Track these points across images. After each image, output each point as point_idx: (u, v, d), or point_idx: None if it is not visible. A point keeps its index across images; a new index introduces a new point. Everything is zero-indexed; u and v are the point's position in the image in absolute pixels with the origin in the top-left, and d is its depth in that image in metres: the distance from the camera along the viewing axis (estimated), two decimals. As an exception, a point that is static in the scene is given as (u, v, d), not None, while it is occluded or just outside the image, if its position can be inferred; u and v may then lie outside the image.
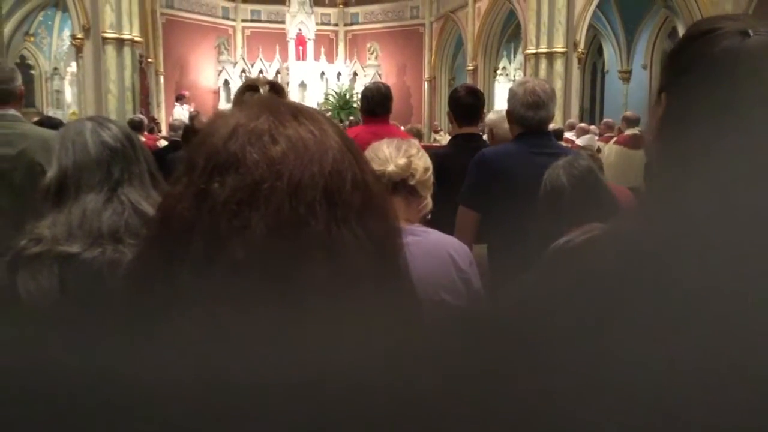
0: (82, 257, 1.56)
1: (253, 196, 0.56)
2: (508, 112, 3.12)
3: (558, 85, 14.87)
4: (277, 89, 2.17)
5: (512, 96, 3.07)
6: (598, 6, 15.69)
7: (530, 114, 2.98)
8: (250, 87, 2.44)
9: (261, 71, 21.27)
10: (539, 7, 14.90)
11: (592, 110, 20.89)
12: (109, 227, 1.61)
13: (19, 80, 3.01)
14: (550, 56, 14.93)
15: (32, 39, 22.24)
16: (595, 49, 20.54)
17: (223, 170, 0.58)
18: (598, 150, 8.05)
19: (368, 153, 1.97)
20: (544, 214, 2.22)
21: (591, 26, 16.26)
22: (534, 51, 15.13)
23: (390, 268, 0.63)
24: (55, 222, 1.62)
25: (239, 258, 0.55)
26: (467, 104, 3.71)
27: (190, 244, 0.56)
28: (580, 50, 15.32)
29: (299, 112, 0.64)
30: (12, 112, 2.89)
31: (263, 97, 0.69)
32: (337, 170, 0.60)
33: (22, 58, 21.18)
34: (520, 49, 17.56)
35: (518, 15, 16.64)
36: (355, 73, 22.17)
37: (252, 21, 22.85)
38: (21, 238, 1.59)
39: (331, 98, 20.91)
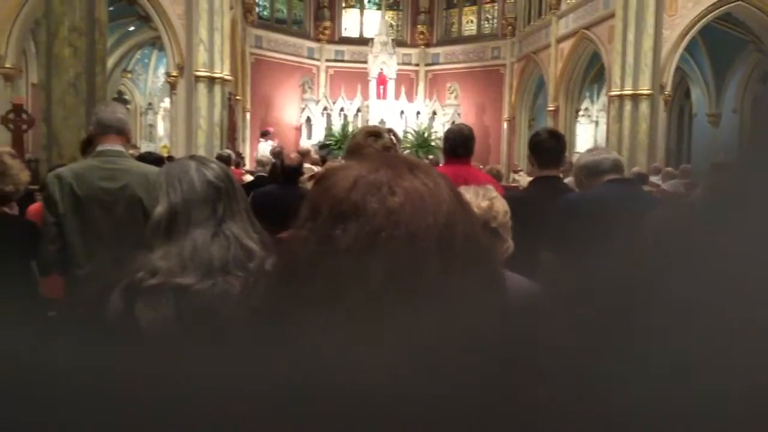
0: (196, 288, 1.67)
1: (373, 244, 0.61)
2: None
3: (643, 127, 14.57)
4: (396, 136, 2.28)
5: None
6: (686, 48, 15.36)
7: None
8: (372, 133, 2.53)
9: (342, 109, 21.76)
10: (624, 49, 14.72)
11: (678, 154, 20.30)
12: (218, 260, 1.71)
13: (126, 119, 3.21)
14: (635, 98, 14.67)
15: (129, 75, 23.59)
16: (682, 91, 20.04)
17: (345, 218, 0.63)
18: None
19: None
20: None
21: (678, 68, 15.90)
22: (618, 93, 14.91)
23: (494, 315, 0.66)
24: (168, 254, 1.72)
25: (359, 300, 0.59)
26: (549, 148, 3.71)
27: (314, 286, 0.61)
28: (666, 93, 14.98)
29: (414, 165, 0.69)
30: (118, 147, 3.08)
31: (381, 152, 0.74)
32: (451, 222, 0.64)
33: (120, 93, 22.44)
34: (604, 91, 17.31)
35: (602, 57, 16.47)
36: (434, 112, 22.36)
37: (335, 61, 23.48)
38: (135, 269, 1.68)
39: (410, 136, 21.14)
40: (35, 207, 4.41)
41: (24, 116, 12.31)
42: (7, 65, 14.48)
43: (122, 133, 3.16)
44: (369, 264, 0.60)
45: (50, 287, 3.24)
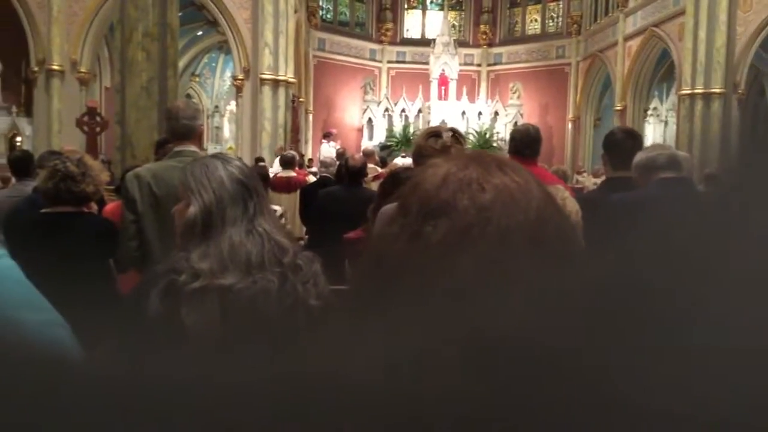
0: (237, 287, 1.68)
1: (463, 240, 0.62)
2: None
3: (715, 127, 14.08)
4: (458, 136, 2.27)
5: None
6: (761, 45, 14.76)
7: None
8: (432, 133, 2.51)
9: (403, 110, 21.81)
10: (696, 47, 14.28)
11: (752, 154, 19.48)
12: (255, 258, 1.73)
13: (200, 119, 3.28)
14: (707, 97, 14.21)
15: (197, 79, 24.27)
16: (756, 89, 19.24)
17: (435, 215, 0.64)
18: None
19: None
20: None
21: (752, 66, 15.29)
22: (689, 91, 14.47)
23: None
24: (206, 254, 1.72)
25: (449, 295, 0.59)
26: (625, 148, 3.57)
27: (403, 281, 0.62)
28: (740, 91, 14.44)
29: (503, 163, 0.69)
30: (192, 148, 3.17)
31: (471, 150, 0.75)
32: (542, 218, 0.64)
33: (188, 96, 23.07)
34: (673, 89, 16.81)
35: (672, 55, 16.00)
36: (496, 113, 22.16)
37: (397, 62, 23.55)
38: (173, 270, 1.70)
39: (471, 137, 21.01)
40: (111, 206, 4.59)
41: (98, 119, 12.82)
42: (82, 70, 15.14)
43: (197, 133, 3.24)
44: (460, 260, 0.61)
45: (127, 284, 3.36)
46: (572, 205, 2.07)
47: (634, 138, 3.67)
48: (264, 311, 1.68)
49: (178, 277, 1.68)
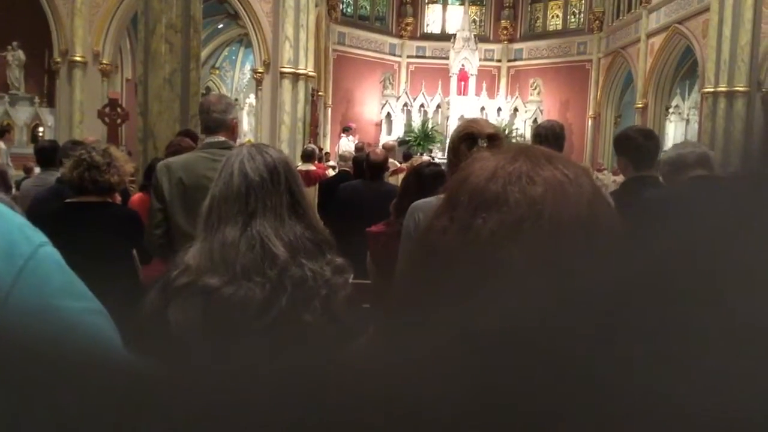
0: (221, 292, 1.59)
1: (515, 233, 0.61)
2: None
3: (738, 126, 13.90)
4: (493, 139, 2.19)
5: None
6: (787, 42, 14.54)
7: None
8: (469, 136, 2.37)
9: (422, 105, 21.76)
10: (720, 45, 14.10)
11: (776, 154, 19.23)
12: (242, 266, 1.61)
13: (233, 113, 3.29)
14: (730, 95, 14.03)
15: (217, 72, 24.37)
16: (781, 88, 18.97)
17: (486, 207, 0.63)
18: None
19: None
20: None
21: (777, 64, 15.08)
22: (712, 90, 14.30)
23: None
24: (201, 250, 1.66)
25: (502, 289, 0.59)
26: (648, 148, 3.51)
27: (455, 273, 0.61)
28: (764, 90, 14.24)
29: (552, 156, 0.68)
30: (221, 139, 3.19)
31: (520, 143, 0.74)
32: (593, 212, 0.63)
33: (208, 89, 23.18)
34: (696, 88, 16.62)
35: (696, 52, 15.82)
36: (515, 109, 22.06)
37: (417, 57, 23.50)
38: (174, 267, 1.66)
39: (490, 133, 20.90)
40: (137, 197, 4.63)
41: (119, 110, 12.93)
42: (104, 61, 15.25)
43: (228, 126, 3.25)
44: (511, 252, 0.60)
45: (150, 274, 3.38)
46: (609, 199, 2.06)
47: (652, 137, 3.62)
48: (243, 321, 1.58)
49: (173, 271, 1.64)
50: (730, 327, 0.43)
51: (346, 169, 7.04)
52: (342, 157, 8.06)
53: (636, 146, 3.56)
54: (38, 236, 0.90)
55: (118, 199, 3.67)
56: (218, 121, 3.18)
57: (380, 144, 15.94)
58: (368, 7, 23.08)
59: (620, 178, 5.46)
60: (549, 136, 3.91)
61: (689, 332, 0.45)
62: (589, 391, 0.47)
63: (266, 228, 1.66)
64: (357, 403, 0.45)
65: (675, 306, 0.45)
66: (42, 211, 3.48)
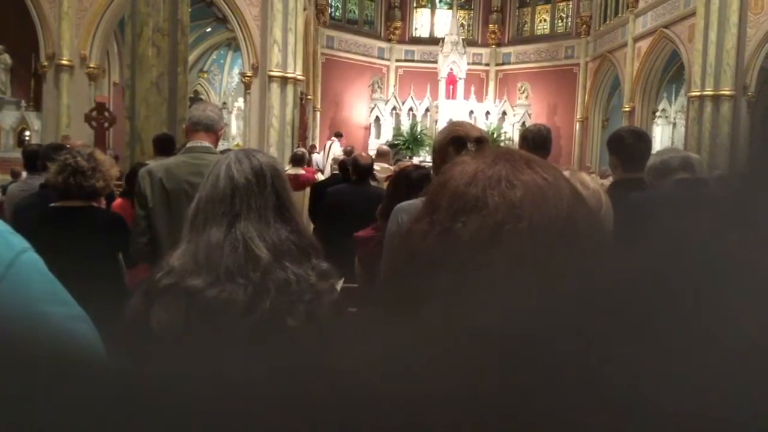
0: (205, 294, 1.59)
1: (495, 237, 0.61)
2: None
3: (724, 130, 14.03)
4: (480, 141, 2.20)
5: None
6: (772, 47, 14.69)
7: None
8: (457, 140, 2.39)
9: (411, 109, 21.79)
10: (705, 49, 14.21)
11: (762, 157, 19.37)
12: (226, 267, 1.61)
13: (222, 124, 3.37)
14: (716, 99, 14.14)
15: (206, 75, 24.29)
16: (766, 92, 19.14)
17: (466, 211, 0.63)
18: None
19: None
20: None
21: (763, 69, 15.21)
22: (698, 93, 14.40)
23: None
24: (186, 252, 1.66)
25: (482, 292, 0.59)
26: (638, 149, 3.53)
27: (436, 277, 0.61)
28: (750, 94, 14.37)
29: (532, 160, 0.69)
30: (205, 144, 3.18)
31: (500, 147, 0.74)
32: (572, 215, 0.63)
33: (196, 93, 23.10)
34: (683, 91, 16.74)
35: (682, 56, 15.94)
36: (504, 113, 22.13)
37: (405, 60, 23.53)
38: (158, 269, 1.65)
39: (479, 137, 20.95)
40: (117, 203, 4.60)
41: (106, 114, 12.88)
42: (91, 65, 15.17)
43: (211, 130, 3.25)
44: (492, 256, 0.60)
45: (136, 278, 3.36)
46: (605, 199, 2.06)
47: (643, 139, 3.65)
48: (226, 323, 1.58)
49: (157, 273, 1.64)
50: (710, 327, 0.43)
51: (338, 173, 7.08)
52: (336, 161, 8.13)
53: (626, 146, 3.59)
54: (20, 242, 0.89)
55: (103, 203, 3.65)
56: (212, 119, 3.19)
57: (370, 149, 15.92)
58: (357, 11, 23.09)
59: (608, 181, 5.49)
60: (536, 139, 3.94)
61: (670, 333, 0.45)
62: (570, 392, 0.47)
63: (250, 230, 1.66)
64: (341, 405, 0.45)
65: (656, 307, 0.45)
66: (27, 217, 3.45)
